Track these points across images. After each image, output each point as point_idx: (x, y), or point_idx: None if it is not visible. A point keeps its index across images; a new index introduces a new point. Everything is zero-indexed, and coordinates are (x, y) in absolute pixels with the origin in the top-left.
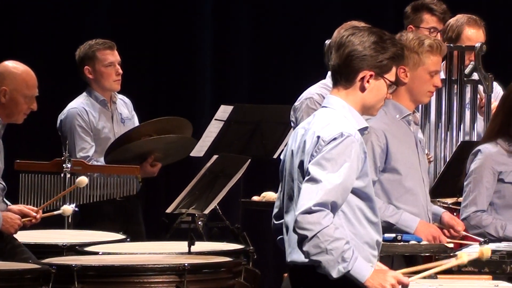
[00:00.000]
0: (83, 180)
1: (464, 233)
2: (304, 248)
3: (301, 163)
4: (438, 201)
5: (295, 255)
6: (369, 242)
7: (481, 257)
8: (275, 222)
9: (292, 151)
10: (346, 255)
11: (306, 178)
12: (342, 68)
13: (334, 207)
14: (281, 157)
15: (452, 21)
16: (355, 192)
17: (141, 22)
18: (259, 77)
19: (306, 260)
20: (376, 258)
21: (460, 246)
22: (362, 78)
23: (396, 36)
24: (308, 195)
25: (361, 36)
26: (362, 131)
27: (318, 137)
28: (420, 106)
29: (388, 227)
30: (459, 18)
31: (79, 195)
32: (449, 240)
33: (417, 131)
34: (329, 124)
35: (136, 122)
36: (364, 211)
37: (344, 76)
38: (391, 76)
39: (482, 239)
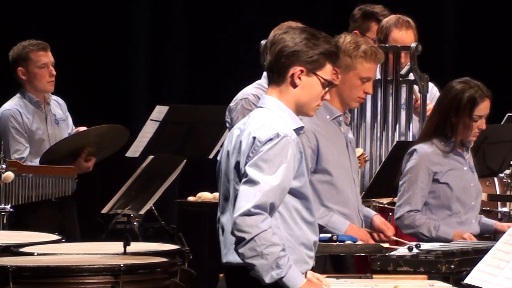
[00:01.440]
0: (9, 175)
1: (394, 238)
2: (240, 250)
3: (237, 163)
4: (374, 201)
5: (230, 256)
6: (306, 243)
7: None
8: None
9: (228, 151)
10: (281, 261)
11: (244, 180)
12: (274, 65)
13: (272, 209)
14: (218, 158)
15: (383, 21)
16: (292, 192)
17: (76, 22)
18: (194, 77)
19: (241, 261)
20: (312, 259)
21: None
22: (293, 75)
23: (337, 37)
24: (246, 197)
25: (293, 33)
26: (298, 130)
27: (254, 138)
28: None
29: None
30: (390, 19)
31: (14, 196)
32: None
33: (348, 132)
34: (265, 124)
35: (70, 122)
36: (301, 211)
37: (276, 73)
38: (325, 74)
39: (411, 244)
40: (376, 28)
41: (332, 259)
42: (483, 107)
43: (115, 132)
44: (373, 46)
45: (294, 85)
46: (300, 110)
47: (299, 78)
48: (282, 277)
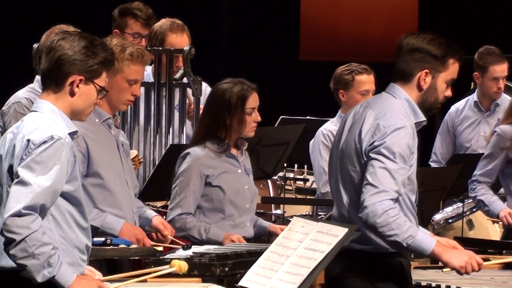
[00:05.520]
0: None
1: (171, 238)
2: (11, 252)
3: (10, 167)
4: (148, 204)
5: (3, 260)
6: (79, 247)
7: (178, 271)
8: None
9: (0, 156)
10: (52, 260)
11: (15, 180)
12: (52, 72)
13: (42, 210)
14: None
15: (156, 26)
16: (65, 196)
17: None
18: None
19: (15, 265)
20: (85, 262)
21: (169, 250)
22: (72, 83)
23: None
24: (17, 198)
25: (71, 40)
26: (72, 135)
27: (28, 140)
28: (129, 109)
29: (94, 230)
30: (163, 23)
31: None
32: (154, 243)
33: (119, 134)
34: (39, 127)
35: None
36: (74, 215)
37: (54, 80)
38: (101, 81)
39: (185, 244)
40: (132, 23)
41: (107, 262)
42: (253, 100)
43: None
44: (140, 48)
45: (73, 94)
46: (75, 116)
47: (78, 86)
48: (54, 276)
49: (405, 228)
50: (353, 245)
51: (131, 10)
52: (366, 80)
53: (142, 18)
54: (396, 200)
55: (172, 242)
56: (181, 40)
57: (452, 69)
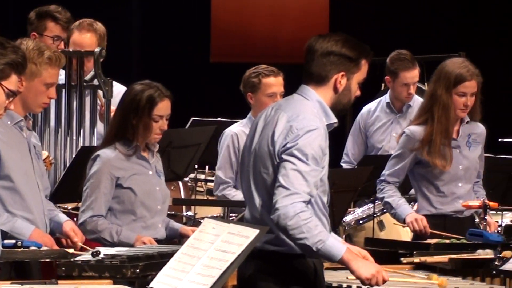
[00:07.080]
0: None
1: (81, 244)
2: None
3: None
4: (59, 206)
5: None
6: None
7: None
8: None
9: None
10: None
11: None
12: None
13: None
14: None
15: (72, 25)
16: None
17: None
18: None
19: None
20: None
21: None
22: None
23: (17, 42)
24: None
25: None
26: None
27: None
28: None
29: (4, 234)
30: (76, 23)
31: None
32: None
33: (31, 136)
34: None
35: None
36: None
37: None
38: (9, 84)
39: (94, 250)
40: (52, 26)
41: (17, 265)
42: (163, 107)
43: None
44: (56, 51)
45: None
46: None
47: None
48: None
49: (316, 232)
50: (267, 246)
51: (51, 13)
52: (273, 83)
53: (63, 21)
54: (308, 202)
55: (82, 249)
56: (86, 40)
57: (364, 69)
